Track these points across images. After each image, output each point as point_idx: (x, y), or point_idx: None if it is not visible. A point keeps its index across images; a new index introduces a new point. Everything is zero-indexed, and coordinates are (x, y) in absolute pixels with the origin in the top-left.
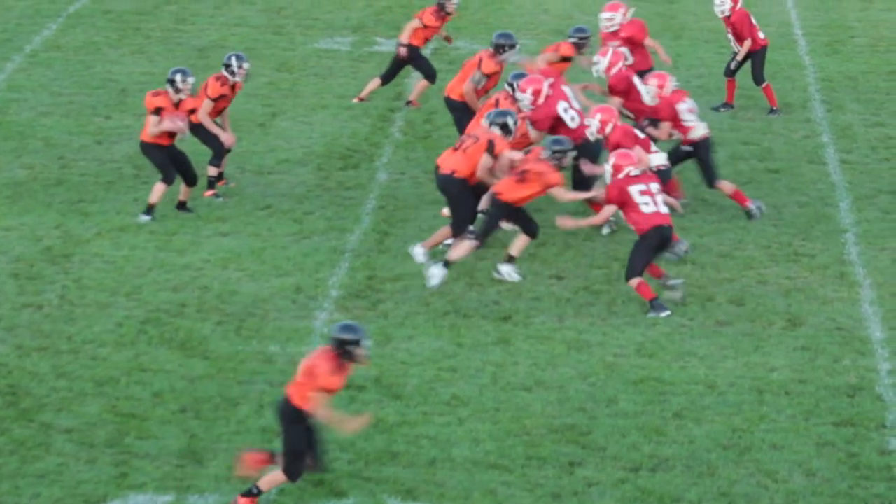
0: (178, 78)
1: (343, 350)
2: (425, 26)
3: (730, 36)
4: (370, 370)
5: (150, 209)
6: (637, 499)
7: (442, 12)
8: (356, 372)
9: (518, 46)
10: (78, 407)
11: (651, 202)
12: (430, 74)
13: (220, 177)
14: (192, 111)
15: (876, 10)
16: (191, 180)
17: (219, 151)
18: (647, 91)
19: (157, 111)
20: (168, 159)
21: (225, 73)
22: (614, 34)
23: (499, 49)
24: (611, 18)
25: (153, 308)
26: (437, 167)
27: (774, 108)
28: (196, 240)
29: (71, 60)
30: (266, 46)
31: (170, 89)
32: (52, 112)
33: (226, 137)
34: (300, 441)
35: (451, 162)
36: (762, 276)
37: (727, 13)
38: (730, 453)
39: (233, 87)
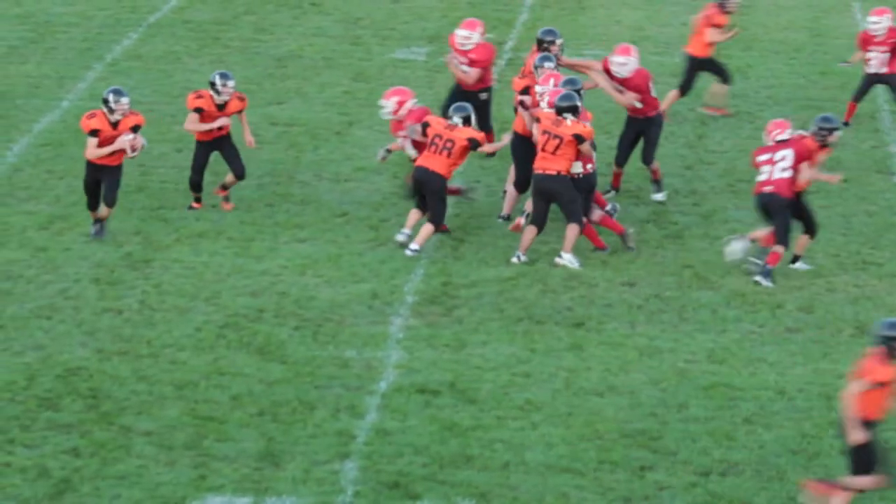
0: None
1: (891, 346)
2: (713, 25)
3: (872, 54)
4: (445, 375)
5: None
6: (707, 503)
7: (724, 8)
8: (431, 376)
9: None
10: (157, 410)
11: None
12: (725, 76)
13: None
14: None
15: None
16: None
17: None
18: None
19: (94, 133)
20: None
21: (210, 92)
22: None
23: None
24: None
25: (232, 313)
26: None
27: (846, 122)
28: (274, 246)
29: (151, 69)
30: (343, 56)
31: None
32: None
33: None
34: (869, 454)
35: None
36: (831, 283)
37: (881, 33)
38: (799, 458)
39: (223, 105)
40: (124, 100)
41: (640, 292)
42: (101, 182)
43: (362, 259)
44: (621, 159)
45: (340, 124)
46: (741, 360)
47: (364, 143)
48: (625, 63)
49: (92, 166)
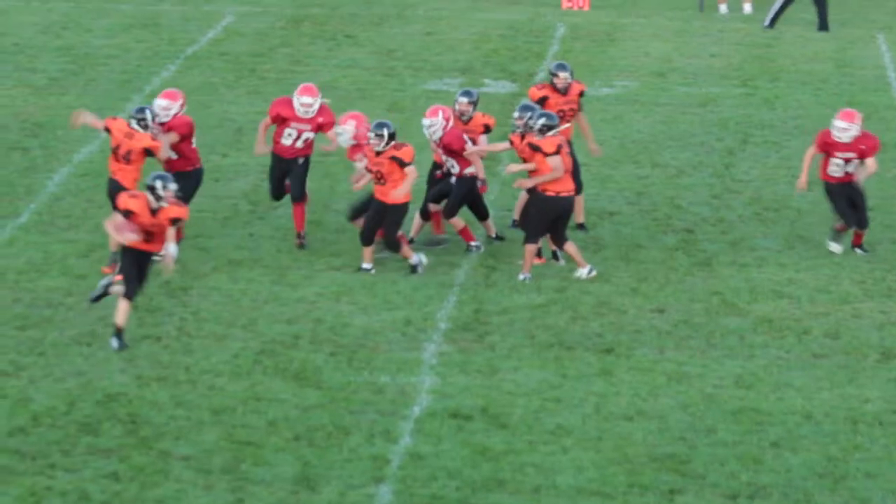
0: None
1: None
2: None
3: None
4: (477, 400)
5: None
6: None
7: None
8: (464, 402)
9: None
10: (195, 435)
11: None
12: None
13: None
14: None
15: None
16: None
17: None
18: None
19: (127, 214)
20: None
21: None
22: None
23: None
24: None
25: (268, 339)
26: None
27: None
28: (309, 274)
29: (189, 101)
30: (377, 87)
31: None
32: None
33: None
34: None
35: None
36: (857, 310)
37: None
38: (825, 481)
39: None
40: (172, 186)
41: (668, 318)
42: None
43: (396, 287)
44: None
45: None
46: (768, 385)
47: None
48: (429, 125)
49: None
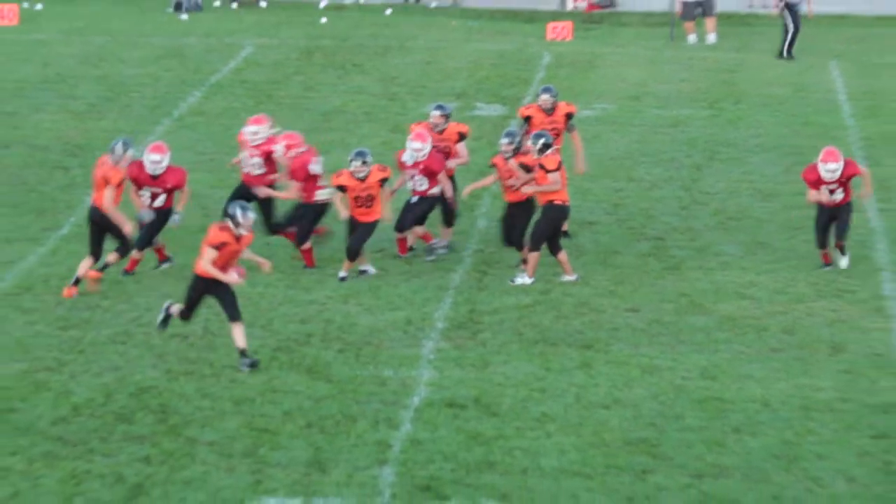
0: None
1: None
2: None
3: None
4: (471, 391)
5: None
6: (701, 502)
7: None
8: (459, 392)
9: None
10: (219, 423)
11: None
12: None
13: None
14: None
15: None
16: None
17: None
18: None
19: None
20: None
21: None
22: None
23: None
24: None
25: (284, 337)
26: None
27: None
28: (320, 279)
29: (212, 124)
30: (381, 111)
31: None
32: (196, 169)
33: (127, 229)
34: None
35: None
36: (810, 308)
37: None
38: (781, 462)
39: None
40: (251, 214)
41: (642, 317)
42: (212, 295)
43: (398, 290)
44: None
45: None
46: (731, 377)
47: (401, 188)
48: (420, 148)
49: (202, 281)
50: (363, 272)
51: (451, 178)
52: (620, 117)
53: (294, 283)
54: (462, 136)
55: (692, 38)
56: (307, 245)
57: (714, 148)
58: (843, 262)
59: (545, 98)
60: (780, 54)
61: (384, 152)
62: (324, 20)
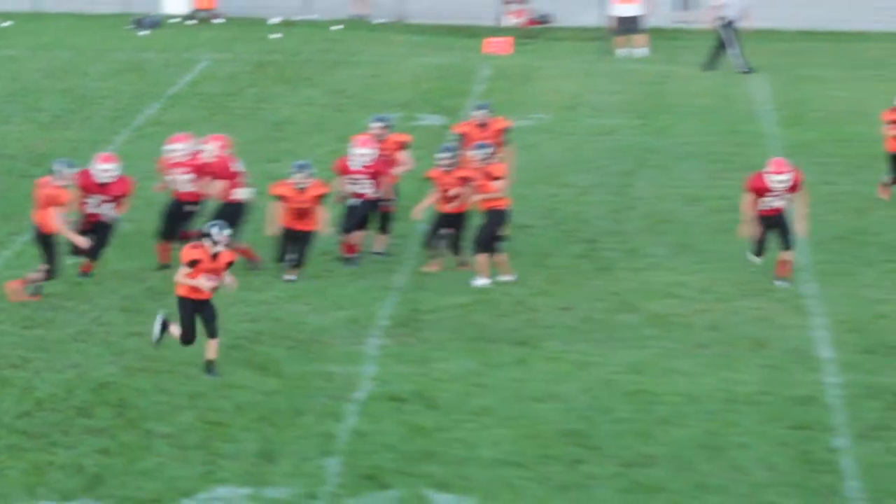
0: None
1: None
2: None
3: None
4: (412, 385)
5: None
6: (629, 490)
7: None
8: (401, 387)
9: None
10: (174, 416)
11: None
12: None
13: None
14: None
15: (829, 89)
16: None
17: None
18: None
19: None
20: None
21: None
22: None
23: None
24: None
25: (236, 336)
26: None
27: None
28: (270, 280)
29: (170, 134)
30: (329, 121)
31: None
32: (153, 177)
33: (79, 242)
34: None
35: None
36: (734, 307)
37: None
38: (706, 452)
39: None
40: (227, 231)
41: (575, 315)
42: (197, 315)
43: (344, 290)
44: None
45: (327, 179)
46: (658, 371)
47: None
48: (366, 153)
49: (185, 302)
50: (291, 280)
51: (394, 185)
52: (556, 127)
53: (246, 285)
54: (403, 146)
55: (623, 51)
56: (241, 245)
57: (643, 155)
58: (784, 283)
59: (479, 114)
60: (741, 68)
61: (331, 161)
62: (275, 36)
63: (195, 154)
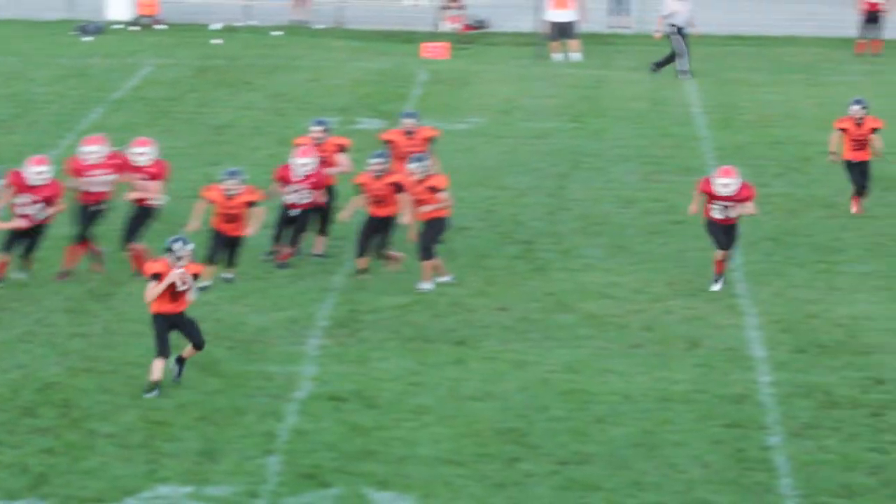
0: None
1: None
2: None
3: None
4: (351, 385)
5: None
6: (566, 487)
7: None
8: (340, 386)
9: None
10: (117, 416)
11: None
12: None
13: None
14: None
15: (760, 92)
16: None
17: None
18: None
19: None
20: None
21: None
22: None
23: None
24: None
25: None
26: None
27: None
28: (212, 281)
29: (114, 138)
30: (269, 125)
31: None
32: None
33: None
34: None
35: None
36: (668, 307)
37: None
38: (641, 450)
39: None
40: (190, 246)
41: (511, 315)
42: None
43: (284, 291)
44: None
45: (267, 181)
46: (594, 370)
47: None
48: (307, 163)
49: (159, 318)
50: (228, 279)
51: (331, 186)
52: (492, 130)
53: None
54: (342, 149)
55: (558, 56)
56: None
57: (578, 158)
58: (717, 286)
59: (408, 122)
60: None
61: (272, 164)
62: (217, 41)
63: (112, 155)
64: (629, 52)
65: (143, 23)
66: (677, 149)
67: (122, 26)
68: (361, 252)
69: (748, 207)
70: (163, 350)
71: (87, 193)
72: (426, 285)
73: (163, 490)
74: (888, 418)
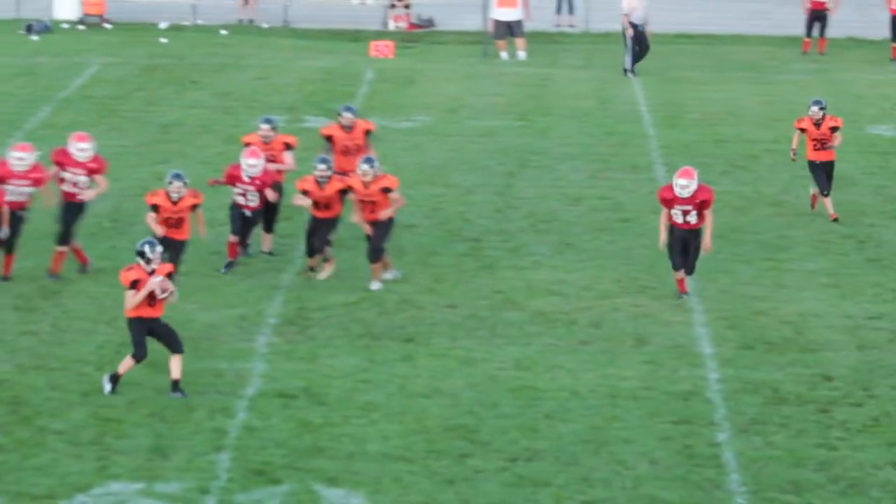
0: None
1: None
2: None
3: None
4: (301, 382)
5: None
6: (515, 483)
7: None
8: (289, 383)
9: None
10: (67, 413)
11: None
12: None
13: None
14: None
15: (706, 91)
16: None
17: None
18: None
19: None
20: None
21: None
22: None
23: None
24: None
25: (127, 333)
26: None
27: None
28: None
29: (61, 137)
30: (217, 124)
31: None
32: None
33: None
34: None
35: None
36: (615, 304)
37: None
38: (590, 446)
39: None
40: (159, 249)
41: (460, 313)
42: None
43: (234, 289)
44: None
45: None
46: (542, 367)
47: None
48: (255, 164)
49: (135, 322)
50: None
51: (278, 183)
52: (438, 128)
53: None
54: (288, 146)
55: (504, 55)
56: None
57: (525, 156)
58: (683, 297)
59: (346, 116)
60: (625, 71)
61: (219, 162)
62: (164, 40)
63: (34, 168)
64: (575, 51)
65: (90, 22)
66: (624, 147)
67: (68, 25)
68: (311, 252)
69: (708, 222)
70: (140, 353)
71: (13, 202)
72: (376, 285)
73: (114, 487)
74: (835, 415)
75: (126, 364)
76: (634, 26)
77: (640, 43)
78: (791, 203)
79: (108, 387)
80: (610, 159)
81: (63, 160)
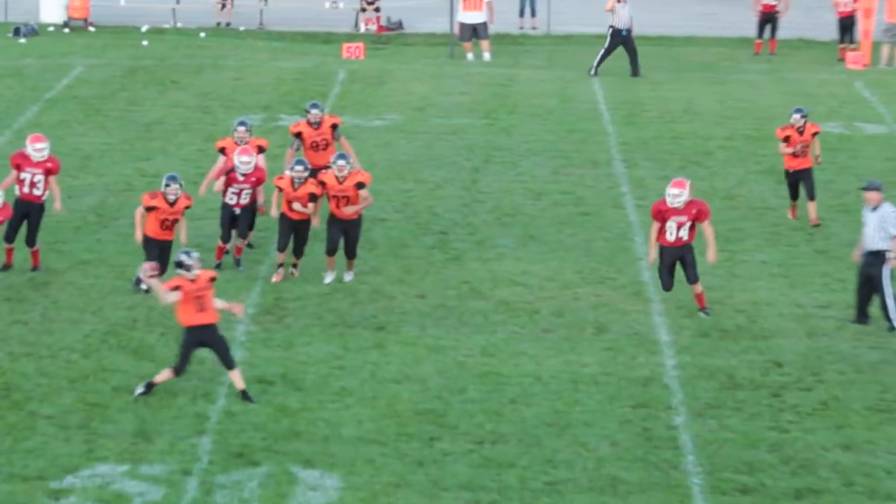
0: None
1: None
2: None
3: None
4: (278, 368)
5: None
6: (482, 465)
7: None
8: (267, 370)
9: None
10: (56, 399)
11: None
12: None
13: None
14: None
15: (663, 90)
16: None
17: None
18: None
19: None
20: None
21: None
22: None
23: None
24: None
25: (112, 323)
26: None
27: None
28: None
29: (49, 135)
30: (196, 122)
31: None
32: None
33: None
34: None
35: None
36: (577, 294)
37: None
38: (553, 429)
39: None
40: (195, 254)
41: (428, 303)
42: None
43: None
44: None
45: (195, 175)
46: (507, 354)
47: (211, 189)
48: (249, 161)
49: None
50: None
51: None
52: (407, 126)
53: (121, 275)
54: (261, 150)
55: (470, 56)
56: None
57: (490, 153)
58: (705, 314)
59: (314, 113)
60: (592, 72)
61: (199, 159)
62: (145, 43)
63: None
64: (537, 52)
65: (75, 25)
66: (584, 143)
67: (54, 28)
68: (293, 251)
69: (709, 235)
70: (181, 365)
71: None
72: (349, 276)
73: (101, 468)
74: (787, 399)
75: (164, 375)
76: (618, 31)
77: (627, 47)
78: (744, 197)
79: (139, 389)
80: (571, 155)
81: (21, 162)
